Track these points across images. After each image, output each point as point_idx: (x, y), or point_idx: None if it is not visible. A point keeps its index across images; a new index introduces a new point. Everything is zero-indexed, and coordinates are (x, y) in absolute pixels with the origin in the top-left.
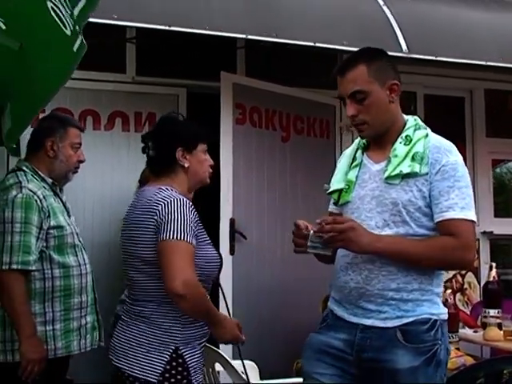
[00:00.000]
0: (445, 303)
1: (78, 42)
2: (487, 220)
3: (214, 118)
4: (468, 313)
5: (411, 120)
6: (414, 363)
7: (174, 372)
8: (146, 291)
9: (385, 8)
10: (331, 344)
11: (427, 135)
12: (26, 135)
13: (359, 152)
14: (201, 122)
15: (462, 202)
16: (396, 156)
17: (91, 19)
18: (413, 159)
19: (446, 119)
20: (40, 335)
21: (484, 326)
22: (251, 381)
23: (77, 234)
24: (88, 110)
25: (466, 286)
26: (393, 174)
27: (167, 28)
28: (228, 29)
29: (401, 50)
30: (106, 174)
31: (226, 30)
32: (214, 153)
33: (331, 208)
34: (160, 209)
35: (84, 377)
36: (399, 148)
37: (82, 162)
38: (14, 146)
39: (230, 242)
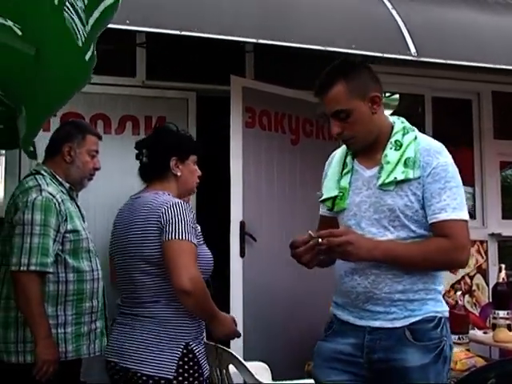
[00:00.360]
0: (455, 305)
1: (89, 53)
2: (495, 222)
3: (224, 122)
4: (477, 314)
5: (398, 123)
6: (424, 360)
7: (187, 367)
8: (152, 292)
9: (393, 11)
10: (340, 350)
11: (416, 137)
12: (42, 138)
13: (349, 158)
14: (211, 126)
15: (453, 203)
16: (388, 163)
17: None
18: (405, 165)
19: (453, 122)
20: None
21: (493, 327)
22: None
23: (90, 240)
24: (99, 114)
25: (474, 287)
26: (387, 181)
27: (178, 33)
28: (238, 33)
29: (410, 53)
30: (116, 177)
31: (236, 34)
32: (224, 156)
33: (323, 212)
34: (163, 211)
35: (97, 378)
36: (390, 154)
37: (97, 169)
38: (32, 149)
39: (240, 244)
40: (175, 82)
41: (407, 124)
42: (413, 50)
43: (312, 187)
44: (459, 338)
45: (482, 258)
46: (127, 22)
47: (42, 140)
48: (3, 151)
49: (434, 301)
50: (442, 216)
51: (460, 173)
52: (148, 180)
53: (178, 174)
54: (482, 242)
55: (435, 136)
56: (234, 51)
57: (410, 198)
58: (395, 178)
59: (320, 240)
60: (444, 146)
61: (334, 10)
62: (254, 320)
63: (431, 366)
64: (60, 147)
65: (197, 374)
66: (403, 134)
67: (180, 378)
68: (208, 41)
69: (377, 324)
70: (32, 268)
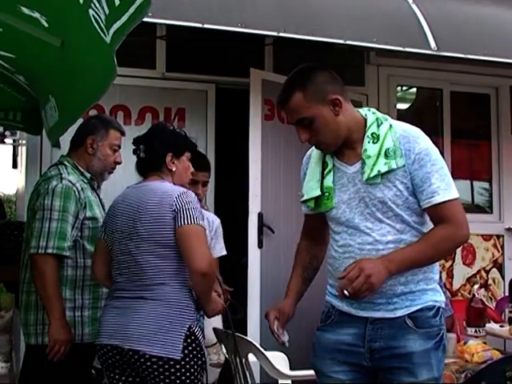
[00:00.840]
0: (472, 298)
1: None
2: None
3: (243, 114)
4: (492, 308)
5: (370, 116)
6: (426, 346)
7: (191, 348)
8: (162, 274)
9: (413, 6)
10: (341, 340)
11: (391, 126)
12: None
13: (328, 156)
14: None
15: (442, 184)
16: (369, 157)
17: None
18: (386, 156)
19: (471, 116)
20: (68, 320)
21: (510, 321)
22: (282, 371)
23: None
24: (119, 105)
25: (490, 281)
26: (372, 175)
27: (200, 26)
28: (260, 26)
29: (429, 48)
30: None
31: (257, 27)
32: (243, 148)
33: (306, 211)
34: (176, 197)
35: None
36: (369, 148)
37: (118, 163)
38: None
39: (259, 236)
40: (195, 74)
41: (379, 114)
42: (432, 44)
43: None
44: (476, 331)
45: (498, 252)
46: (149, 14)
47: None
48: (24, 141)
49: (433, 290)
50: (436, 199)
51: (477, 167)
52: (145, 174)
53: (173, 169)
54: (498, 237)
55: (453, 130)
56: (253, 44)
57: (399, 187)
58: (379, 170)
59: (346, 292)
60: (419, 129)
61: (355, 4)
62: None
63: (433, 352)
64: (84, 139)
65: (199, 355)
66: (378, 126)
67: (187, 359)
68: (228, 33)
69: (378, 315)
70: (49, 251)
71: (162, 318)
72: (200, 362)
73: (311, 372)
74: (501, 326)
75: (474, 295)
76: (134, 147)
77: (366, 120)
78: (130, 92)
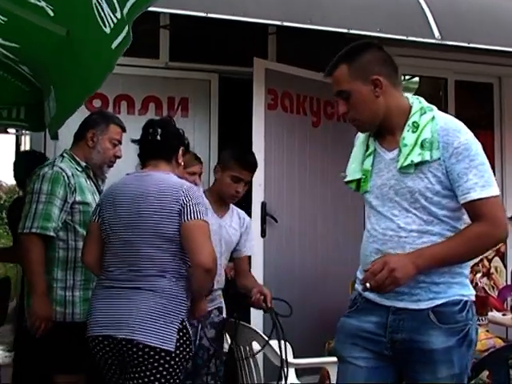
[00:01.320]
0: (475, 287)
1: (120, 39)
2: None
3: (246, 103)
4: (495, 297)
5: (416, 104)
6: (448, 343)
7: (182, 341)
8: (160, 266)
9: None
10: (363, 327)
11: (433, 118)
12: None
13: (371, 140)
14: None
15: (481, 181)
16: (405, 145)
17: None
18: (422, 147)
19: (474, 105)
20: (59, 299)
21: None
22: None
23: None
24: (122, 95)
25: (492, 270)
26: (405, 164)
27: (204, 15)
28: (263, 15)
29: (433, 37)
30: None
31: (261, 16)
32: (246, 138)
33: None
34: (183, 191)
35: None
36: (408, 136)
37: (118, 157)
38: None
39: (262, 225)
40: (198, 63)
41: (425, 104)
42: (436, 33)
43: (332, 169)
44: (479, 320)
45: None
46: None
47: (66, 121)
48: (28, 131)
49: (459, 284)
50: (472, 196)
51: None
52: (155, 158)
53: (182, 163)
54: None
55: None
56: (257, 33)
57: (430, 179)
58: (412, 160)
59: (368, 285)
60: (463, 124)
61: None
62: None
63: (455, 349)
64: (85, 133)
65: (188, 349)
66: (421, 115)
67: (177, 352)
68: (231, 23)
69: (401, 304)
70: (33, 230)
71: (158, 309)
72: (188, 356)
73: (314, 360)
74: (503, 315)
75: (476, 284)
76: (149, 129)
77: (411, 108)
78: (134, 81)
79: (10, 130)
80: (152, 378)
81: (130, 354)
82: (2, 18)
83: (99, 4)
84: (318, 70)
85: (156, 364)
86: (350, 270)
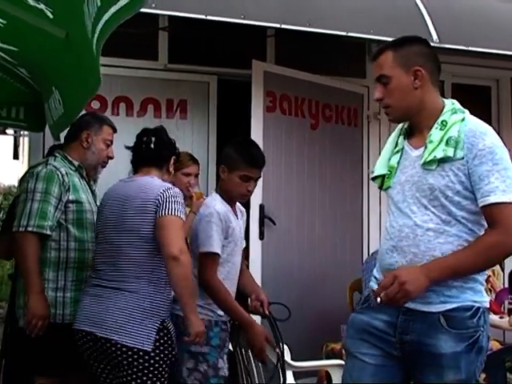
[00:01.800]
0: None
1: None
2: None
3: (244, 106)
4: (492, 300)
5: (448, 104)
6: (456, 349)
7: (162, 341)
8: (137, 267)
9: None
10: (373, 324)
11: (464, 119)
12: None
13: (401, 138)
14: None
15: (502, 185)
16: (431, 142)
17: None
18: (447, 144)
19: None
20: (50, 300)
21: (509, 312)
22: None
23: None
24: (121, 96)
25: (489, 273)
26: (428, 159)
27: (204, 17)
28: (262, 18)
29: (431, 40)
30: None
31: (260, 19)
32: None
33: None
34: (161, 192)
35: None
36: (434, 133)
37: (111, 158)
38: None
39: (260, 227)
40: (197, 65)
41: (458, 106)
42: (435, 36)
43: (330, 171)
44: None
45: None
46: (152, 5)
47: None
48: (26, 132)
49: (472, 290)
50: (491, 199)
51: None
52: (147, 165)
53: (172, 171)
54: None
55: None
56: (255, 35)
57: (452, 178)
58: (435, 156)
59: (379, 300)
60: (491, 128)
61: None
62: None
63: (463, 355)
64: (79, 134)
65: (170, 349)
66: (451, 114)
67: (157, 351)
68: (230, 25)
69: (412, 305)
70: (29, 229)
71: (135, 310)
72: (170, 356)
73: (312, 363)
74: (500, 318)
75: None
76: (143, 138)
77: (443, 108)
78: (132, 83)
79: (8, 131)
80: (134, 376)
81: (110, 352)
82: (1, 20)
83: (88, 11)
84: (317, 72)
85: (136, 363)
86: (348, 272)
